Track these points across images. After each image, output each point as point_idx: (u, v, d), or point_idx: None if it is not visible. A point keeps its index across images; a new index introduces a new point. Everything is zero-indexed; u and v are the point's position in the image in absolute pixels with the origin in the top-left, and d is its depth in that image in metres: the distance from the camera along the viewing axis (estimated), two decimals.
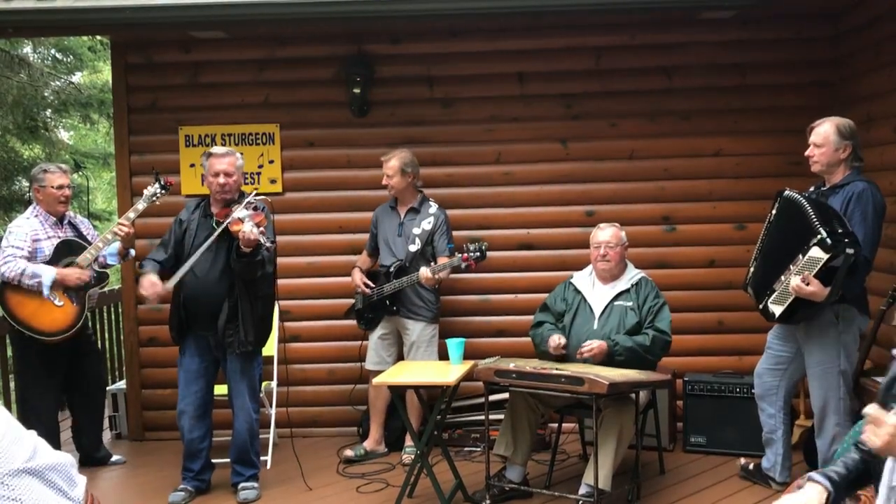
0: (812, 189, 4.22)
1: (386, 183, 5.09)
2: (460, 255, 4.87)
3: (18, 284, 4.73)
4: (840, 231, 3.83)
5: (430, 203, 5.19)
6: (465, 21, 5.52)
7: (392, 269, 5.09)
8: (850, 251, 3.78)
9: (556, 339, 4.42)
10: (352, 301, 5.35)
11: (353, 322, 5.35)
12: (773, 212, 4.25)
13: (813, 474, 2.12)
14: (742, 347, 5.50)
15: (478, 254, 4.85)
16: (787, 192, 4.16)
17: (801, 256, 3.91)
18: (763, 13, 5.41)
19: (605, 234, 4.59)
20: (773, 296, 4.06)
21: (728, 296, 5.47)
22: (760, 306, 4.16)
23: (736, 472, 4.70)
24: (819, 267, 3.82)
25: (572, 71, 5.62)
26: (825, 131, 4.06)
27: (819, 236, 3.82)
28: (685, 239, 5.63)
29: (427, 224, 5.10)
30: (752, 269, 4.35)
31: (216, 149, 4.61)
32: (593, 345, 4.30)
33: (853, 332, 4.09)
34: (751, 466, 4.60)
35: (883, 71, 4.85)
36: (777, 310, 4.05)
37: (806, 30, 5.53)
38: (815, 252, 3.84)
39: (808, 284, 3.83)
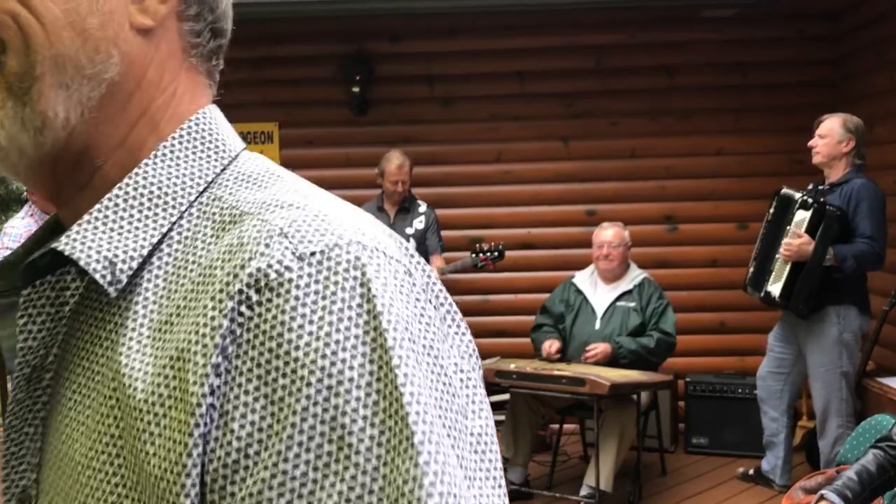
0: (811, 187, 4.22)
1: (400, 190, 5.00)
2: (476, 255, 4.86)
3: None
4: (824, 200, 3.96)
5: (419, 202, 5.15)
6: (464, 19, 5.49)
7: None
8: (831, 208, 3.88)
9: (548, 346, 4.41)
10: None
11: None
12: (771, 210, 4.27)
13: (826, 492, 2.08)
14: (744, 348, 5.47)
15: (495, 254, 4.87)
16: (783, 190, 4.21)
17: (787, 228, 4.01)
18: (764, 12, 5.39)
19: (607, 233, 4.57)
20: (771, 277, 4.10)
21: (730, 296, 5.44)
22: (762, 294, 4.18)
23: (736, 476, 4.68)
24: (805, 227, 3.93)
25: (573, 69, 5.59)
26: (831, 124, 4.11)
27: (800, 200, 3.98)
28: (687, 238, 5.61)
29: (419, 223, 5.07)
30: (751, 270, 4.35)
31: None
32: (598, 349, 4.28)
33: (854, 332, 4.08)
34: (750, 472, 4.57)
35: (885, 70, 4.83)
36: (776, 289, 4.07)
37: (807, 28, 5.51)
38: (799, 215, 3.96)
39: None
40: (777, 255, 4.07)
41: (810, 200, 3.96)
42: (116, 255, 0.59)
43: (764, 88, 5.53)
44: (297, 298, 0.52)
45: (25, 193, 5.93)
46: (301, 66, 5.68)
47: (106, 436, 0.56)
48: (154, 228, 0.60)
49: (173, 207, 0.61)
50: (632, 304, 4.45)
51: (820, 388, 4.14)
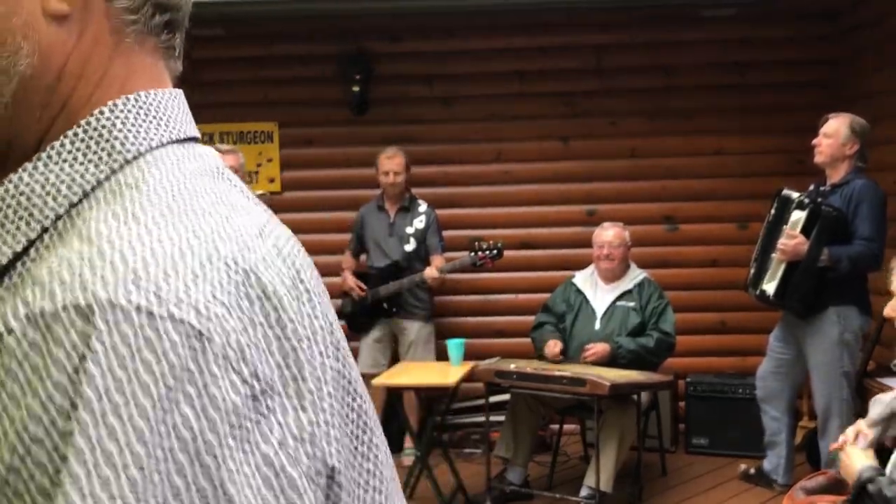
0: (812, 188, 4.22)
1: (392, 181, 5.00)
2: (475, 253, 4.85)
3: None
4: (819, 199, 3.97)
5: (420, 201, 5.14)
6: (464, 19, 5.49)
7: (390, 269, 5.05)
8: (827, 209, 3.90)
9: (552, 346, 4.39)
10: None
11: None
12: (772, 211, 4.27)
13: None
14: (745, 348, 5.46)
15: (494, 252, 4.85)
16: (783, 191, 4.21)
17: (784, 227, 4.02)
18: (764, 12, 5.39)
19: (608, 233, 4.56)
20: (766, 275, 4.12)
21: (730, 296, 5.43)
22: (757, 293, 4.20)
23: (738, 474, 4.67)
24: (801, 227, 3.94)
25: (572, 69, 5.59)
26: (837, 124, 4.09)
27: (796, 200, 3.99)
28: (687, 238, 5.60)
29: (420, 223, 5.06)
30: (751, 271, 4.34)
31: (221, 146, 4.59)
32: (596, 348, 4.27)
33: (854, 332, 4.08)
34: (751, 471, 4.57)
35: (885, 70, 4.82)
36: (771, 287, 4.09)
37: (807, 28, 5.51)
38: (795, 215, 3.98)
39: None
40: (773, 255, 4.07)
41: (806, 201, 3.96)
42: None
43: (763, 88, 5.52)
44: (7, 371, 0.44)
45: None
46: (301, 66, 5.67)
47: None
48: (10, 246, 0.52)
49: (37, 221, 0.52)
50: (632, 304, 4.45)
51: (821, 389, 4.14)
